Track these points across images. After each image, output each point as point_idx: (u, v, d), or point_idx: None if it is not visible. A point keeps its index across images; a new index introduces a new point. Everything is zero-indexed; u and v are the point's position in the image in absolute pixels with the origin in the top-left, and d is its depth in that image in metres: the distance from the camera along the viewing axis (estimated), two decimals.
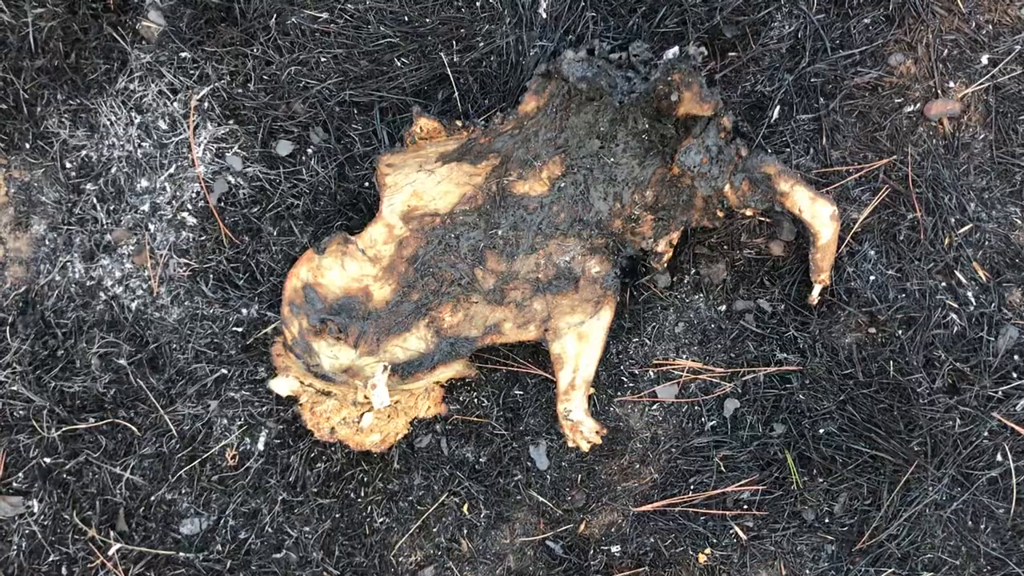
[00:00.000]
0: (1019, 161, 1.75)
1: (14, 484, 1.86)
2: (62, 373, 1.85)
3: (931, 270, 1.76)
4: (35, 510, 1.86)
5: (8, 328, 1.86)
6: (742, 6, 1.74)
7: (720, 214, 1.68)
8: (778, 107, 1.77)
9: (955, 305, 1.75)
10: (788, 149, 1.77)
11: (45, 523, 1.86)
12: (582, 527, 1.83)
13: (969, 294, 1.75)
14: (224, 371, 1.85)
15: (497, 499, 1.84)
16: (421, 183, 1.70)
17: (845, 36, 1.75)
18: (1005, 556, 1.76)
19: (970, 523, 1.76)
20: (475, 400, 1.85)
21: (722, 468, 1.80)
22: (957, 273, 1.75)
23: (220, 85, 1.82)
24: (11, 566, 1.85)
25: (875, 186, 1.76)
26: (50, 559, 1.85)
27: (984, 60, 1.75)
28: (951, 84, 1.75)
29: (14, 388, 1.85)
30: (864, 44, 1.75)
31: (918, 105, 1.76)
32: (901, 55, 1.76)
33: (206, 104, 1.83)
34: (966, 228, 1.75)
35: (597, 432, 1.71)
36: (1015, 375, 1.75)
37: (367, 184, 1.82)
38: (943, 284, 1.76)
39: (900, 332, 1.76)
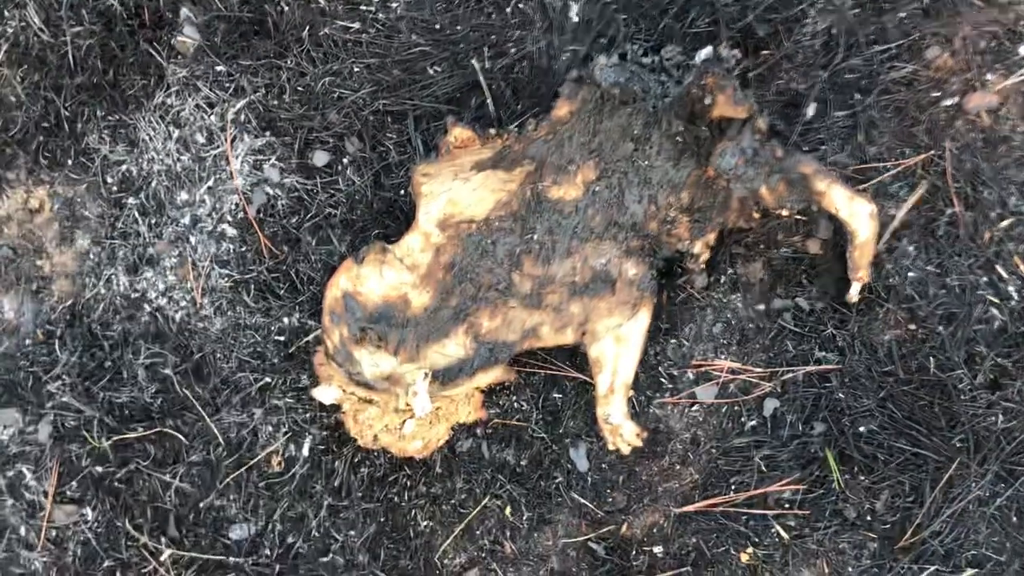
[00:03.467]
0: None
1: (68, 493, 1.92)
2: (110, 384, 1.90)
3: (971, 265, 1.74)
4: (89, 518, 1.91)
5: (57, 341, 1.91)
6: (775, 3, 1.73)
7: (756, 215, 1.68)
8: (813, 104, 1.75)
9: (996, 300, 1.73)
10: (824, 146, 1.76)
11: (99, 530, 1.91)
12: (624, 528, 1.85)
13: (1011, 288, 1.73)
14: (268, 379, 1.88)
15: (539, 501, 1.86)
16: (457, 191, 1.71)
17: (880, 31, 1.73)
18: None
19: (1014, 519, 1.75)
20: (514, 404, 1.87)
21: (763, 468, 1.81)
22: (998, 268, 1.73)
23: (256, 97, 1.84)
24: (68, 572, 1.91)
25: (913, 182, 1.75)
26: (104, 565, 1.90)
27: (1022, 51, 1.72)
28: (989, 76, 1.73)
29: (65, 399, 1.90)
30: (900, 38, 1.73)
31: (956, 99, 1.74)
32: (938, 48, 1.74)
33: (243, 117, 1.85)
34: (1007, 222, 1.73)
35: (637, 435, 1.72)
36: None
37: (403, 192, 1.83)
38: (984, 279, 1.74)
39: (940, 328, 1.75)
